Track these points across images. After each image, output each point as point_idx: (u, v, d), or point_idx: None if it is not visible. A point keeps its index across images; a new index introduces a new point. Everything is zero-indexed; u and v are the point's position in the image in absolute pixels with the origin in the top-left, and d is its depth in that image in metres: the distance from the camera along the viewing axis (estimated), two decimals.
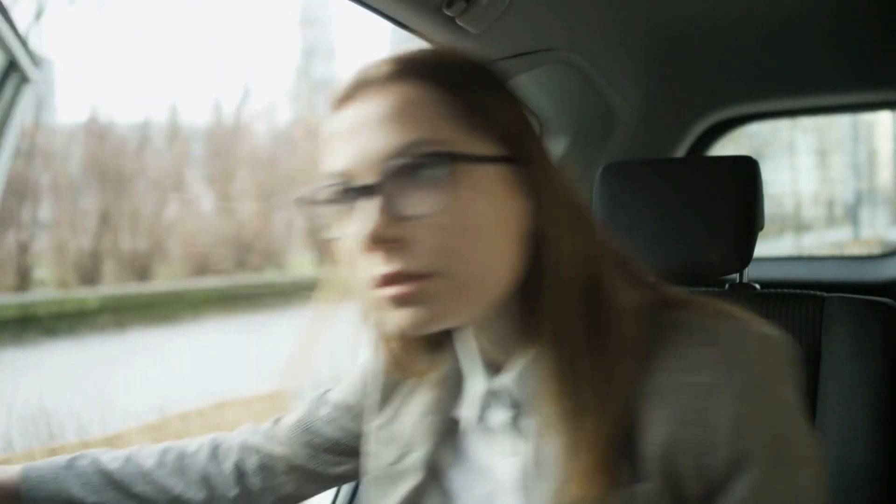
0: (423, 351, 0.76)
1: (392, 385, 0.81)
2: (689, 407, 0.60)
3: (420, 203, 0.61)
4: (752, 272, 1.15)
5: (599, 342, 0.63)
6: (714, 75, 2.19)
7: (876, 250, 5.94)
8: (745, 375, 0.60)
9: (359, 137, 0.64)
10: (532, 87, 1.94)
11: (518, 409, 0.69)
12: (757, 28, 1.67)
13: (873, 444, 0.97)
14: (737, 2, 1.45)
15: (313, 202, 0.68)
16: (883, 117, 7.84)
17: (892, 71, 2.03)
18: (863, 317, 1.02)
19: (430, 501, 0.73)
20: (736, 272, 1.12)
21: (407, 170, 0.62)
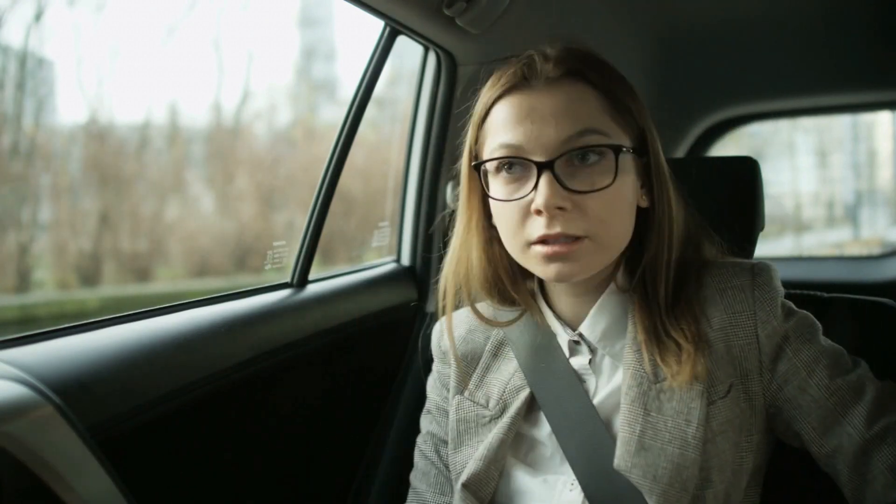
0: (507, 307, 0.93)
1: (468, 365, 0.95)
2: (734, 299, 0.83)
3: (585, 180, 0.79)
4: None
5: (682, 282, 0.85)
6: (714, 76, 2.19)
7: (876, 250, 5.94)
8: (759, 279, 0.84)
9: (535, 122, 0.80)
10: None
11: (594, 352, 0.87)
12: (757, 29, 1.67)
13: None
14: (736, 3, 1.45)
15: (486, 168, 0.84)
16: (883, 117, 7.84)
17: (892, 71, 2.03)
18: (863, 317, 1.01)
19: (521, 436, 0.89)
20: None
21: (578, 153, 0.79)
